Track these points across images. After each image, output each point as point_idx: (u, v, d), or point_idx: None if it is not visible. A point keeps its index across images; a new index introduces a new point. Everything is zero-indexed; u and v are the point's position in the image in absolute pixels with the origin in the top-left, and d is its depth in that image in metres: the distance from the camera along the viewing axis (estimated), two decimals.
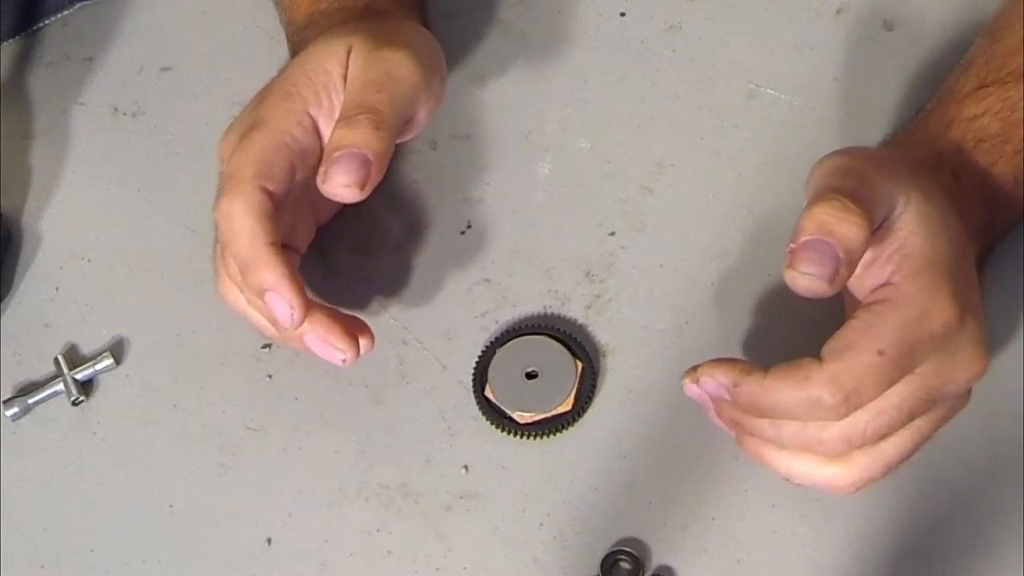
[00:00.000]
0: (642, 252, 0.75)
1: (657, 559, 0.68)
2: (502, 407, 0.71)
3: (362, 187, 0.66)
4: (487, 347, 0.72)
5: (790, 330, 0.71)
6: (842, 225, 0.59)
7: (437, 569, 0.68)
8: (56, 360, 0.75)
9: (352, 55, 0.69)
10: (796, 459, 0.63)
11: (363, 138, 0.66)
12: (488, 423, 0.71)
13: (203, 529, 0.71)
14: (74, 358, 0.75)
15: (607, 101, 0.79)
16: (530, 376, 0.71)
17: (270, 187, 0.66)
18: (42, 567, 0.71)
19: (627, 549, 0.67)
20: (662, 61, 0.80)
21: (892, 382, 0.59)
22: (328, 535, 0.70)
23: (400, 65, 0.69)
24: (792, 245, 0.59)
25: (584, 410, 0.70)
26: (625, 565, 0.67)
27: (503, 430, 0.70)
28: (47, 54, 0.85)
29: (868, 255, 0.61)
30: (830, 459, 0.62)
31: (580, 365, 0.71)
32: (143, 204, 0.80)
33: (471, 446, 0.71)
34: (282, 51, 0.81)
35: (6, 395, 0.75)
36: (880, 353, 0.59)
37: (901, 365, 0.59)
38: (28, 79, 0.84)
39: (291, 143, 0.67)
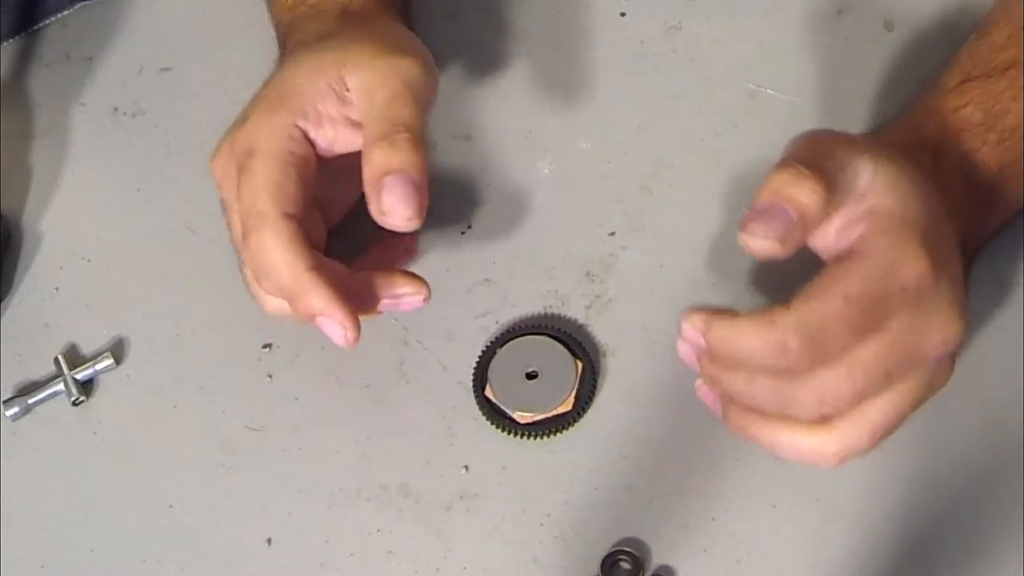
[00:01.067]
0: (642, 252, 0.75)
1: (657, 559, 0.68)
2: (502, 407, 0.71)
3: (421, 215, 0.66)
4: (487, 347, 0.72)
5: None
6: (795, 189, 0.60)
7: (437, 569, 0.68)
8: (56, 360, 0.75)
9: (350, 68, 0.68)
10: (779, 429, 0.62)
11: (409, 160, 0.66)
12: (488, 423, 0.71)
13: (203, 529, 0.71)
14: (74, 358, 0.75)
15: (607, 101, 0.79)
16: (530, 376, 0.71)
17: (290, 211, 0.66)
18: (42, 567, 0.71)
19: (627, 549, 0.67)
20: (662, 61, 0.80)
21: (859, 331, 0.59)
22: (328, 535, 0.70)
23: (412, 72, 0.68)
24: (747, 211, 0.60)
25: (584, 410, 0.70)
26: (625, 565, 0.67)
27: (503, 430, 0.70)
28: (47, 54, 0.85)
29: (839, 221, 0.62)
30: (812, 428, 0.61)
31: (580, 365, 0.71)
32: (143, 204, 0.80)
33: (471, 446, 0.71)
34: None
35: (6, 395, 0.75)
36: (847, 299, 0.59)
37: (868, 314, 0.59)
38: (28, 79, 0.84)
39: (292, 160, 0.67)
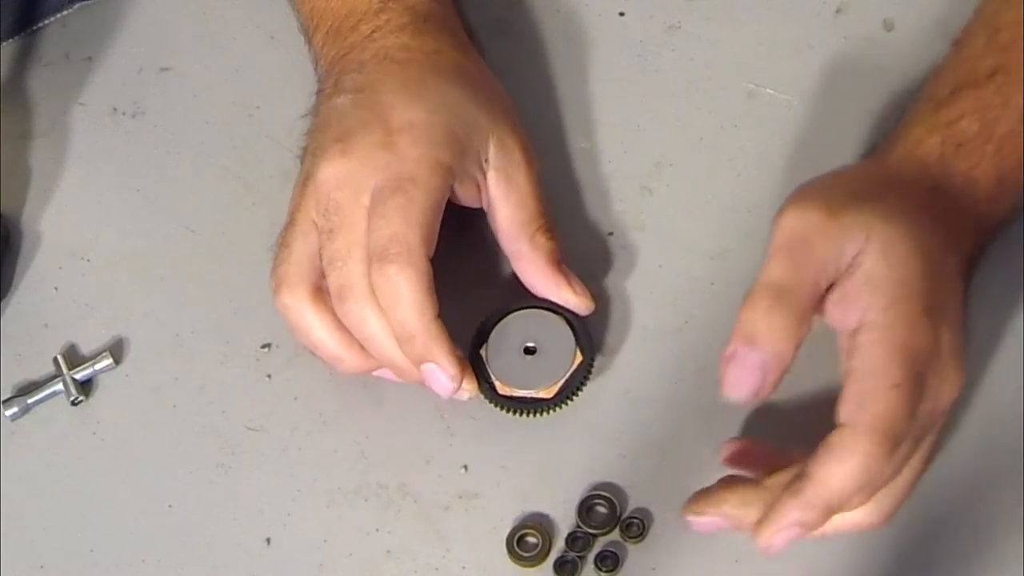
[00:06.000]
0: (642, 252, 0.75)
1: None
2: (489, 370, 0.70)
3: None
4: (499, 310, 0.71)
5: None
6: (765, 331, 0.61)
7: (436, 569, 0.68)
8: (56, 360, 0.75)
9: (496, 144, 0.71)
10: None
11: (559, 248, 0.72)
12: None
13: (203, 529, 0.71)
14: (74, 358, 0.75)
15: (607, 101, 0.79)
16: (528, 351, 0.70)
17: (430, 254, 0.67)
18: (42, 567, 0.71)
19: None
20: (662, 61, 0.80)
21: (916, 409, 0.60)
22: (327, 535, 0.70)
23: (536, 159, 0.73)
24: (725, 352, 0.61)
25: (565, 402, 0.69)
26: None
27: (482, 393, 0.69)
28: (47, 54, 0.85)
29: (834, 294, 0.62)
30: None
31: (581, 358, 0.70)
32: (143, 204, 0.80)
33: (470, 446, 0.71)
34: (281, 51, 0.81)
35: (6, 395, 0.75)
36: (896, 386, 0.59)
37: (917, 389, 0.60)
38: (28, 79, 0.84)
39: (442, 203, 0.68)
